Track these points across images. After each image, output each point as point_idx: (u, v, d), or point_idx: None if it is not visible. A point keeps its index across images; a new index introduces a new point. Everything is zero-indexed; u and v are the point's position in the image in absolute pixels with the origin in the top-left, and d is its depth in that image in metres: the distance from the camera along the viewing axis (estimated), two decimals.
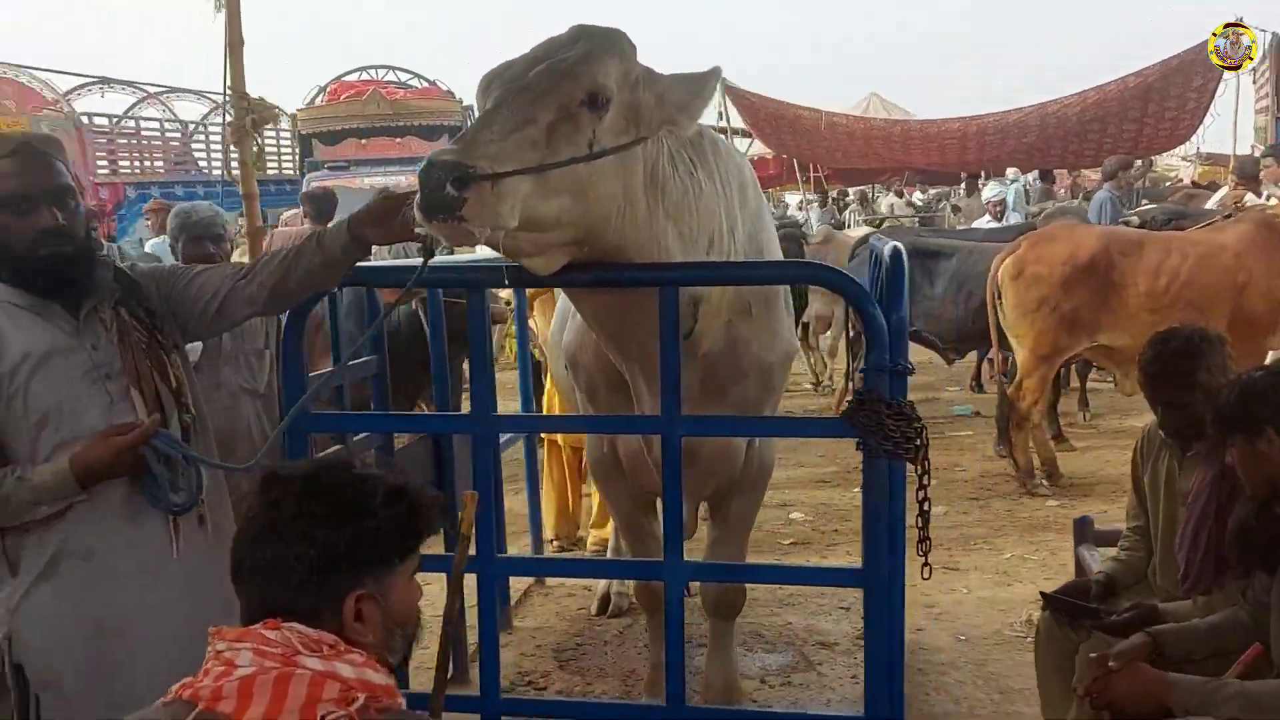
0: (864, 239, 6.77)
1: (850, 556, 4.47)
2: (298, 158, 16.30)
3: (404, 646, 1.53)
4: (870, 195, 21.10)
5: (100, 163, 15.64)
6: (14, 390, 2.13)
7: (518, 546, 4.64)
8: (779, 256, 3.12)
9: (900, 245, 2.72)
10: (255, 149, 4.59)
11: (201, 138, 18.83)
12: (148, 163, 17.30)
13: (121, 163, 16.55)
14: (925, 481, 2.49)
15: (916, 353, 4.93)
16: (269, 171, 15.99)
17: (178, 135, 18.42)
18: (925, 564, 2.54)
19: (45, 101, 14.96)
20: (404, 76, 17.04)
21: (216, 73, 4.35)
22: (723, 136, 3.16)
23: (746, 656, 3.62)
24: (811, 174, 20.76)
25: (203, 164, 18.06)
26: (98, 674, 2.17)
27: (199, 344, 2.86)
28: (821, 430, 2.61)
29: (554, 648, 3.98)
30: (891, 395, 2.37)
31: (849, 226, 15.10)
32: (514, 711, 2.65)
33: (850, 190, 21.00)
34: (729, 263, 2.50)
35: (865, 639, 2.46)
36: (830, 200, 19.23)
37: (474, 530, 1.93)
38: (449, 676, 2.03)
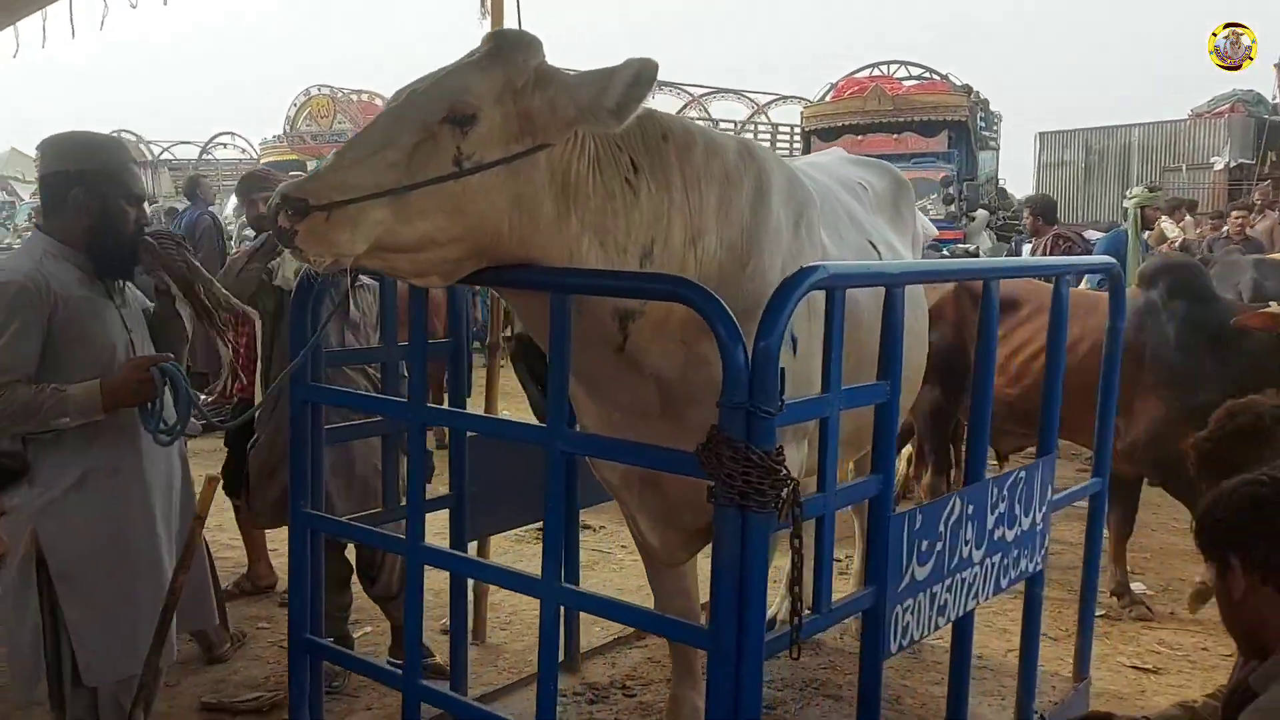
0: None
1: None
2: (799, 154, 16.76)
3: None
4: None
5: None
6: (68, 325, 2.69)
7: None
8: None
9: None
10: None
11: (748, 134, 20.10)
12: None
13: None
14: (795, 544, 2.11)
15: None
16: None
17: None
18: (794, 640, 2.15)
19: None
20: (916, 71, 16.68)
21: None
22: (725, 134, 2.82)
23: None
24: None
25: None
26: (110, 570, 2.68)
27: None
28: (676, 465, 2.26)
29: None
30: (749, 439, 2.04)
31: None
32: (431, 699, 2.68)
33: None
34: (590, 270, 2.29)
35: (707, 706, 2.15)
36: None
37: (208, 512, 2.06)
38: None
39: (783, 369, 2.07)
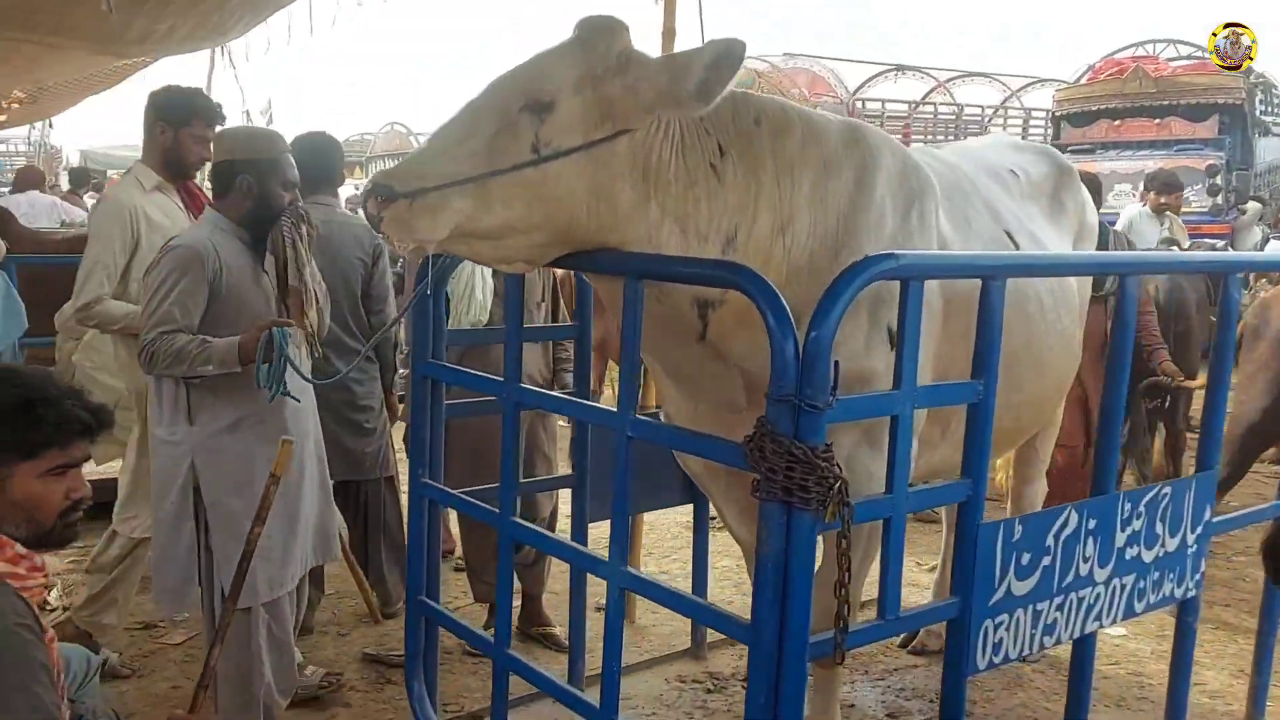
0: None
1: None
2: (1048, 141, 15.78)
3: (26, 529, 1.93)
4: None
5: None
6: (230, 288, 3.02)
7: None
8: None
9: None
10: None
11: (999, 121, 19.17)
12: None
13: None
14: (843, 545, 2.03)
15: None
16: None
17: (950, 117, 18.96)
18: (838, 645, 2.06)
19: (828, 89, 16.71)
20: (1186, 50, 15.33)
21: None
22: (833, 119, 2.68)
23: None
24: None
25: None
26: (254, 504, 2.95)
27: None
28: (727, 456, 2.17)
29: None
30: (796, 433, 1.98)
31: None
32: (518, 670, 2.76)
33: None
34: (651, 255, 2.26)
35: (747, 701, 2.10)
36: None
37: (282, 472, 2.22)
38: None
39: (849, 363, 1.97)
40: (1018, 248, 2.96)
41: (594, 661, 3.89)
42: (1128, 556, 2.73)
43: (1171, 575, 2.90)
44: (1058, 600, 2.58)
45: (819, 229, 2.46)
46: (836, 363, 2.00)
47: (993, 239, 2.89)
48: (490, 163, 2.20)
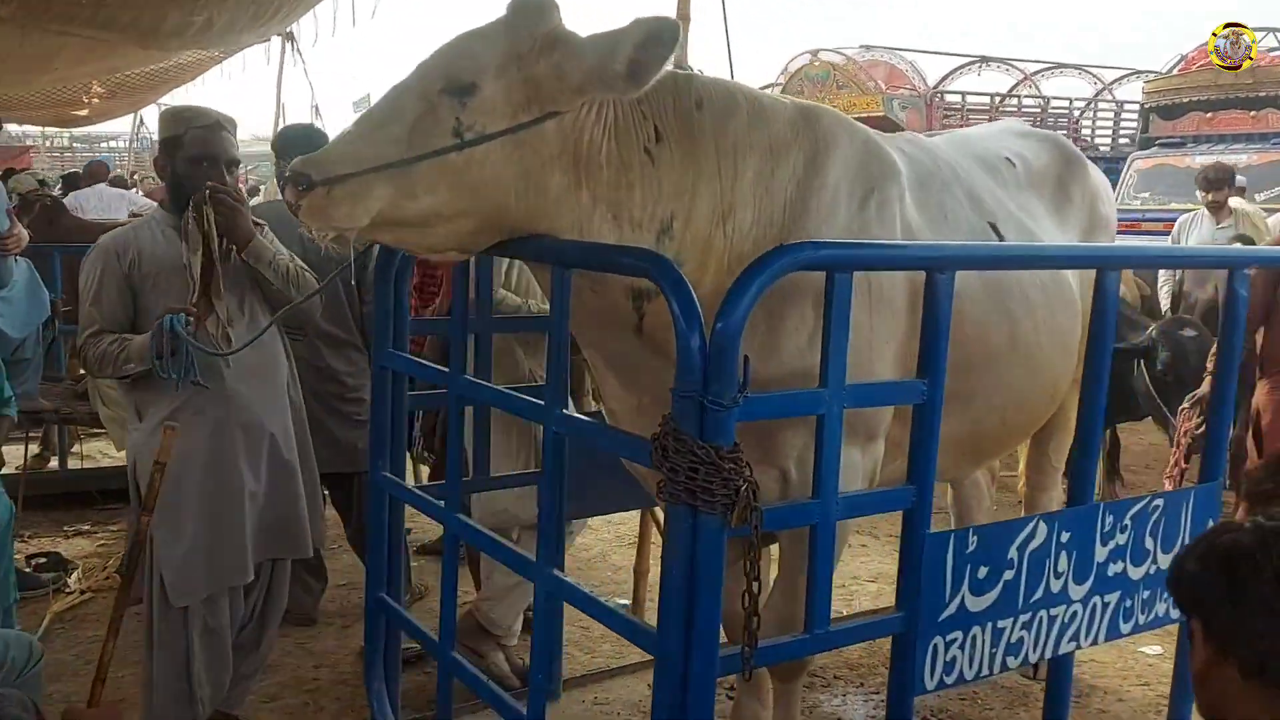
0: None
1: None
2: (1138, 134, 15.15)
3: None
4: None
5: None
6: (148, 279, 2.95)
7: None
8: None
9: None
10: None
11: (1087, 116, 18.48)
12: None
13: None
14: (751, 553, 1.90)
15: None
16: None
17: (1036, 110, 18.31)
18: (745, 661, 1.93)
19: (906, 81, 16.31)
20: None
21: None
22: (783, 101, 2.52)
23: None
24: None
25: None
26: (193, 499, 2.91)
27: None
28: (637, 453, 2.03)
29: None
30: (701, 433, 1.86)
31: None
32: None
33: None
34: (568, 242, 2.14)
35: (653, 714, 1.98)
36: None
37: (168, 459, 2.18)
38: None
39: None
40: (1003, 240, 2.77)
41: (594, 661, 3.83)
42: (1110, 573, 2.54)
43: (1166, 594, 2.68)
44: (1024, 618, 2.40)
45: (764, 217, 2.32)
46: (746, 358, 1.87)
47: (973, 230, 2.71)
48: (412, 147, 2.11)
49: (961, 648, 2.30)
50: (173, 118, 3.03)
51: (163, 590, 2.86)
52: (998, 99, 17.97)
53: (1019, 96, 18.40)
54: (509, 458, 3.48)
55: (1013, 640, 2.39)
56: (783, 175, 2.34)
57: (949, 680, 2.29)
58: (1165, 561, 2.65)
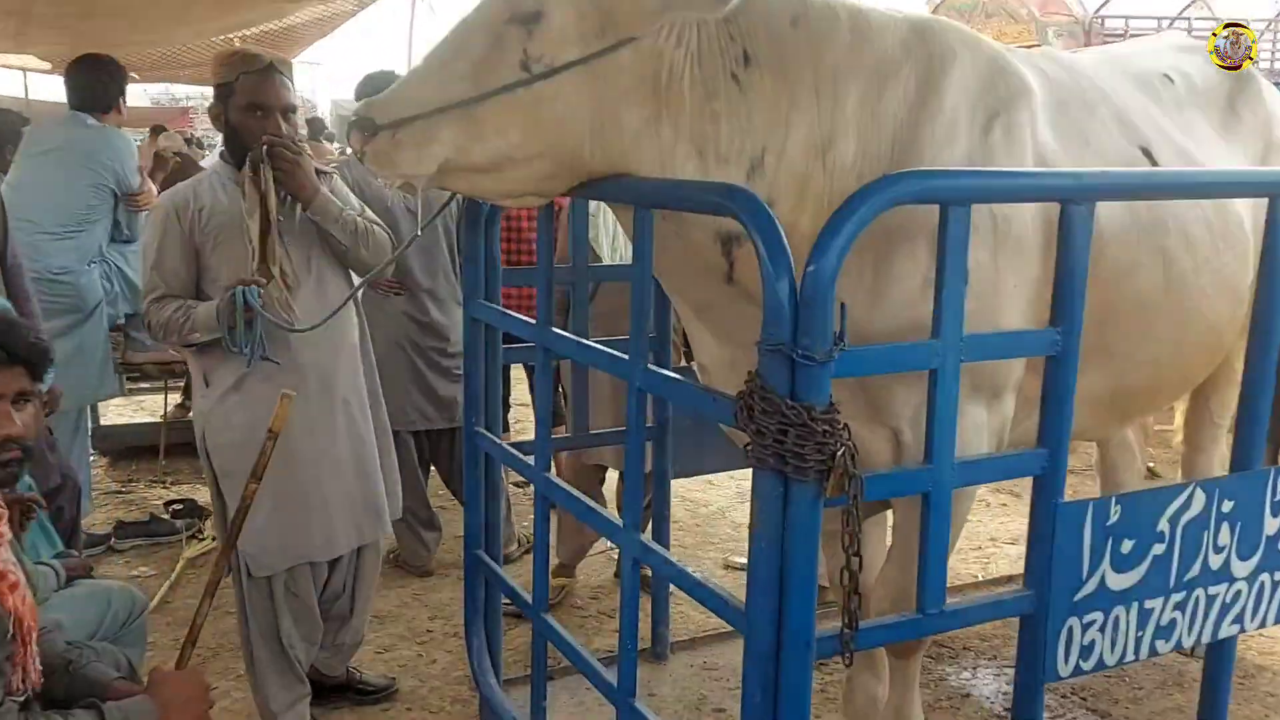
0: None
1: None
2: None
3: None
4: None
5: None
6: (211, 238, 2.80)
7: None
8: None
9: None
10: None
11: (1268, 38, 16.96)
12: None
13: None
14: (850, 526, 1.69)
15: None
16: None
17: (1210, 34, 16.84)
18: (845, 645, 1.72)
19: (1063, 7, 15.27)
20: None
21: None
22: (896, 14, 2.21)
23: None
24: None
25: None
26: (272, 469, 2.80)
27: None
28: (717, 413, 1.79)
29: None
30: (792, 391, 1.65)
31: None
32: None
33: None
34: (641, 180, 1.92)
35: (743, 699, 1.79)
36: None
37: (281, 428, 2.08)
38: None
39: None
40: (1157, 166, 2.43)
41: (709, 622, 3.65)
42: None
43: None
44: (1176, 597, 2.11)
45: (870, 148, 2.06)
46: (843, 305, 1.65)
47: (1120, 158, 2.38)
48: (477, 86, 1.93)
49: (1102, 630, 2.03)
50: (223, 62, 2.84)
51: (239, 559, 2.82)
52: (1165, 23, 16.65)
53: (1189, 19, 17.00)
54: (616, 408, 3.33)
55: (1163, 622, 2.11)
56: (891, 100, 2.07)
57: (1086, 666, 2.03)
58: None
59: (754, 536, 1.74)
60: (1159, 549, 2.06)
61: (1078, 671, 2.03)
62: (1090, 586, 1.99)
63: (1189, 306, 2.48)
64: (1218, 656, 2.26)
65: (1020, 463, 1.95)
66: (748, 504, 1.70)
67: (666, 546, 3.12)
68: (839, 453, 1.64)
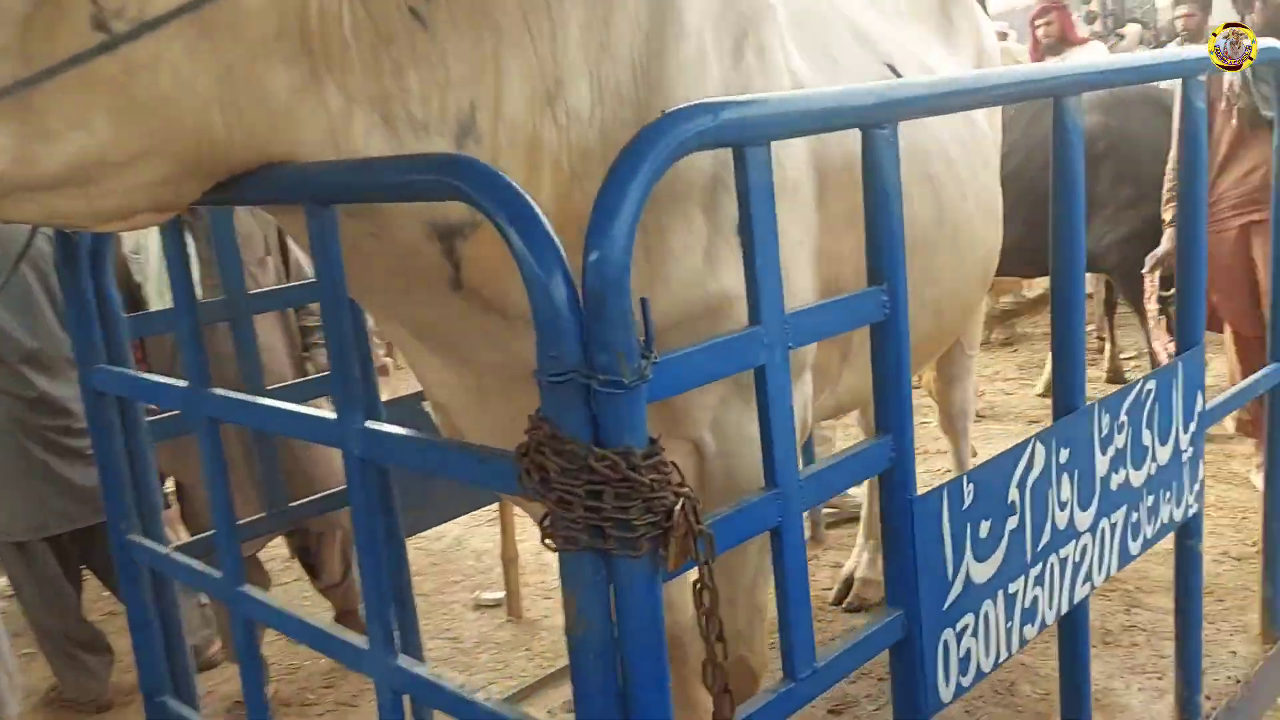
0: None
1: None
2: None
3: None
4: None
5: None
6: None
7: None
8: None
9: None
10: None
11: None
12: None
13: None
14: (705, 599, 1.21)
15: None
16: None
17: None
18: None
19: None
20: None
21: None
22: None
23: None
24: None
25: None
26: None
27: None
28: (496, 480, 1.33)
29: None
30: (596, 433, 1.14)
31: None
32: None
33: None
34: (323, 165, 1.36)
35: None
36: None
37: None
38: None
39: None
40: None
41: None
42: (1114, 486, 1.99)
43: (1168, 494, 2.16)
44: (1034, 571, 1.82)
45: (608, 90, 1.58)
46: (645, 300, 1.16)
47: (870, 75, 2.05)
48: (28, 60, 1.25)
49: (975, 634, 1.70)
50: None
51: None
52: None
53: None
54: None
55: (1027, 605, 1.81)
56: (622, 26, 1.60)
57: (966, 683, 1.69)
58: (1164, 455, 2.12)
59: (575, 646, 1.22)
60: (1013, 522, 1.75)
61: (959, 691, 1.68)
62: (958, 587, 1.65)
63: (961, 237, 2.21)
64: (1073, 626, 1.99)
65: (867, 459, 1.54)
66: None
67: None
68: (676, 506, 1.16)
